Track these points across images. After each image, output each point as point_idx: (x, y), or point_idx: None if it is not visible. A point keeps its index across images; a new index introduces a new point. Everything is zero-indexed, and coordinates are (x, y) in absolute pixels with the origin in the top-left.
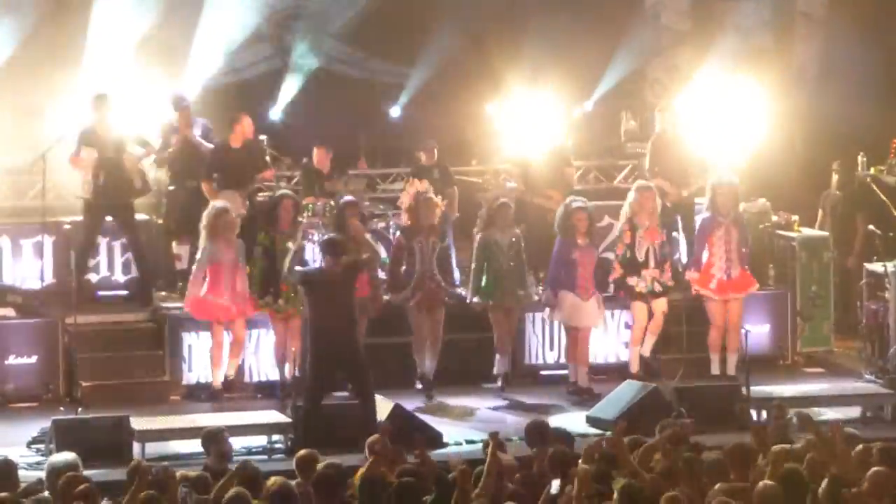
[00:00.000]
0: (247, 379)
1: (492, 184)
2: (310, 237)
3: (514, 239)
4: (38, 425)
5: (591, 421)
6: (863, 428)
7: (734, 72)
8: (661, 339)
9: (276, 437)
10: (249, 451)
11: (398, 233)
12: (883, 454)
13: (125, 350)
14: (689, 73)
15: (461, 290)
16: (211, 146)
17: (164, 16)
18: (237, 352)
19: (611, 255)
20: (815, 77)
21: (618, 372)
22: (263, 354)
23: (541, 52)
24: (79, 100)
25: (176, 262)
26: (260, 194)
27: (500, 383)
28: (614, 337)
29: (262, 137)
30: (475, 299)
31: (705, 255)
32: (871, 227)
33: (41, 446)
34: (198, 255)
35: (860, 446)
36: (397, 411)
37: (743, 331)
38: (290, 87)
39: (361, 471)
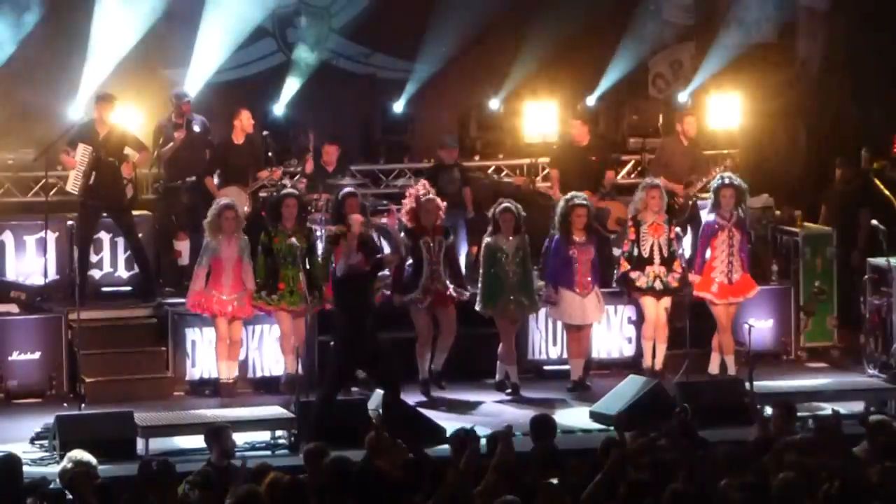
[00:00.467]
0: (249, 375)
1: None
2: (316, 233)
3: (518, 245)
4: (41, 421)
5: (595, 416)
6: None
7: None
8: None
9: (279, 433)
10: (253, 447)
11: (402, 233)
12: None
13: (128, 346)
14: (692, 68)
15: (469, 290)
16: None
17: (166, 13)
18: (235, 354)
19: (617, 252)
20: (818, 72)
21: (622, 367)
22: (266, 350)
23: (544, 47)
24: (79, 100)
25: (177, 259)
26: (263, 191)
27: (505, 389)
28: (617, 332)
29: (265, 133)
30: (481, 307)
31: (707, 257)
32: (874, 222)
33: (45, 442)
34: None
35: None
36: (388, 401)
37: (746, 326)
38: (293, 84)
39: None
